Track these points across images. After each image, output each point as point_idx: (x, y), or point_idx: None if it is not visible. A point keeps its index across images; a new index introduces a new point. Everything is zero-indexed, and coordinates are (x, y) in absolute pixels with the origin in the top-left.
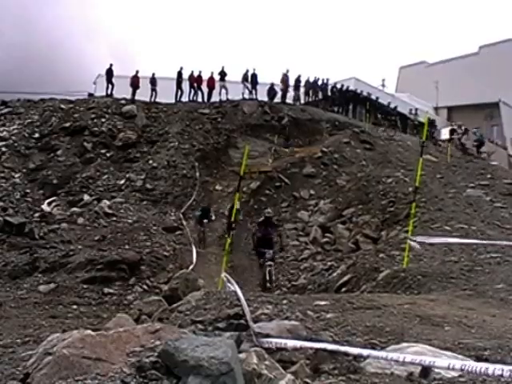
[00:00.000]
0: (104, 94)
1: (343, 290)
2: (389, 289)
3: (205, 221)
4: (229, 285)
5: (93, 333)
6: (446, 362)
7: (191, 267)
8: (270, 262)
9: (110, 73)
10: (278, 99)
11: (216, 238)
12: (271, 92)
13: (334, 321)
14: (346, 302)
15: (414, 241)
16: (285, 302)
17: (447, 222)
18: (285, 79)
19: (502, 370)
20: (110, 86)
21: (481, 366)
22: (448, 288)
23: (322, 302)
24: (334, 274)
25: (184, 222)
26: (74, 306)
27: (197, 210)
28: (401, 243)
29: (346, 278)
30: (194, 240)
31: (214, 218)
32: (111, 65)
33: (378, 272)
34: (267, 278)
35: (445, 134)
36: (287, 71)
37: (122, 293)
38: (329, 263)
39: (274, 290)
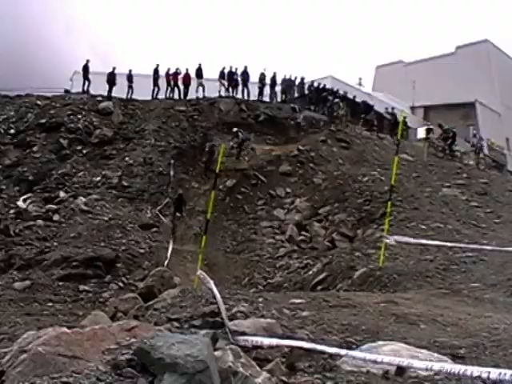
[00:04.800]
0: (80, 90)
1: (319, 288)
2: (365, 287)
3: (177, 214)
4: (204, 282)
5: (68, 330)
6: (423, 363)
7: (166, 263)
8: None
9: (86, 69)
10: (254, 97)
11: (192, 235)
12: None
13: (309, 319)
14: (321, 301)
15: (390, 239)
16: (260, 299)
17: (423, 221)
18: (262, 77)
19: (480, 372)
20: (86, 82)
21: (459, 368)
22: (424, 287)
23: (298, 300)
24: (310, 272)
25: (163, 218)
26: (50, 304)
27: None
28: (377, 242)
29: (321, 276)
30: (169, 235)
31: (184, 211)
32: (88, 61)
33: (354, 270)
34: None
35: (421, 133)
36: (264, 70)
37: (97, 290)
38: (305, 261)
39: None
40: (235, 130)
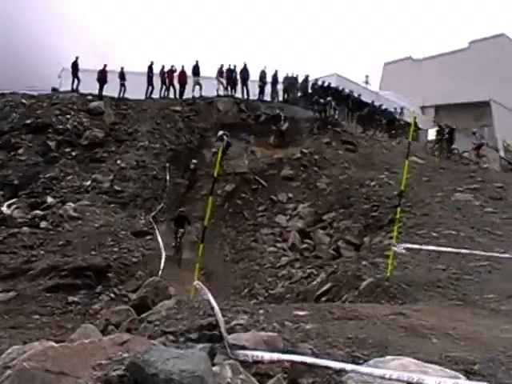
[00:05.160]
0: (69, 88)
1: (323, 299)
2: (372, 298)
3: (180, 230)
4: (201, 293)
5: (56, 344)
6: (435, 379)
7: (160, 272)
8: None
9: (75, 66)
10: (254, 96)
11: (188, 243)
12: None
13: (313, 332)
14: (326, 312)
15: (399, 247)
16: (261, 311)
17: (434, 228)
18: (262, 75)
19: None
20: (75, 80)
21: None
22: (435, 298)
23: (301, 312)
24: (314, 283)
25: (155, 226)
26: (36, 316)
27: (171, 216)
28: (384, 250)
29: (326, 287)
30: (166, 245)
31: (189, 228)
32: (77, 58)
33: (361, 280)
34: None
35: (432, 134)
36: (265, 67)
37: (87, 302)
38: (308, 271)
39: None
40: (220, 133)
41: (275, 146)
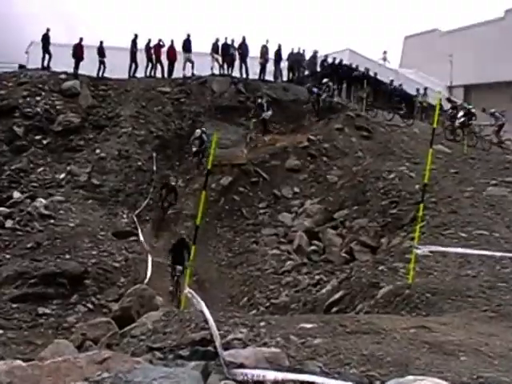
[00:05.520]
0: (39, 66)
1: (334, 309)
2: (390, 309)
3: (178, 268)
4: (194, 303)
5: (24, 364)
6: None
7: (146, 281)
8: None
9: (46, 40)
10: (254, 75)
11: None
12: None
13: (322, 348)
14: (337, 325)
15: (422, 250)
16: (262, 324)
17: (463, 228)
18: (263, 51)
19: None
20: (46, 56)
21: None
22: (464, 309)
23: (309, 325)
24: (323, 291)
25: (138, 226)
26: (0, 331)
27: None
28: (405, 253)
29: (337, 296)
30: (153, 248)
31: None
32: (48, 30)
33: (377, 288)
34: None
35: (460, 118)
36: (267, 42)
37: (60, 313)
38: (316, 277)
39: None
40: (198, 132)
41: (297, 128)
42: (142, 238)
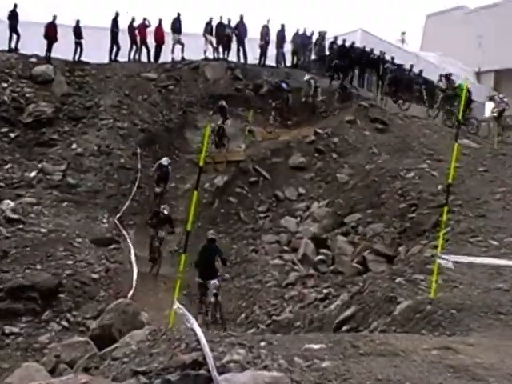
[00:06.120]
0: (6, 48)
1: (345, 328)
2: (409, 327)
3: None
4: (184, 320)
5: None
6: None
7: (130, 294)
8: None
9: (14, 18)
10: (254, 60)
11: (166, 254)
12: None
13: (331, 372)
14: (348, 346)
15: (446, 260)
16: (263, 344)
17: (494, 234)
18: (264, 33)
19: None
20: (14, 36)
21: None
22: (495, 327)
23: (316, 346)
24: (332, 307)
25: (123, 232)
26: None
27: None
28: (427, 263)
29: (348, 312)
30: (138, 257)
31: (174, 229)
32: (16, 6)
33: (395, 304)
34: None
35: (490, 109)
36: (268, 22)
37: (31, 332)
38: (324, 291)
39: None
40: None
41: (303, 120)
42: (130, 244)
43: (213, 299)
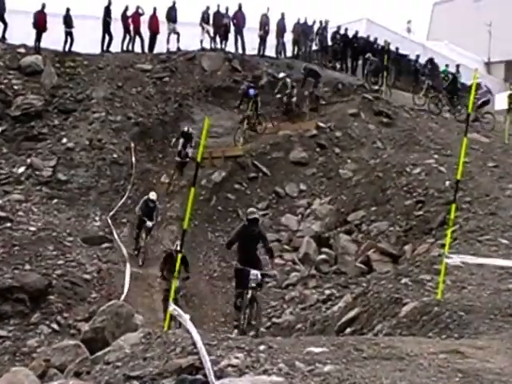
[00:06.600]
0: None
1: (348, 330)
2: (416, 330)
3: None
4: (180, 322)
5: None
6: None
7: (123, 296)
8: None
9: (1, 6)
10: (252, 50)
11: (161, 252)
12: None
13: (334, 376)
14: (352, 349)
15: (454, 259)
16: (262, 347)
17: (504, 233)
18: (264, 22)
19: None
20: (1, 25)
21: None
22: (505, 330)
23: (317, 349)
24: (335, 308)
25: (113, 230)
26: None
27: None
28: (434, 263)
29: (352, 314)
30: (130, 255)
31: (158, 218)
32: None
33: (400, 305)
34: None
35: (501, 101)
36: (268, 10)
37: (19, 336)
38: (327, 292)
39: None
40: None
41: (304, 113)
42: (120, 243)
43: (249, 294)
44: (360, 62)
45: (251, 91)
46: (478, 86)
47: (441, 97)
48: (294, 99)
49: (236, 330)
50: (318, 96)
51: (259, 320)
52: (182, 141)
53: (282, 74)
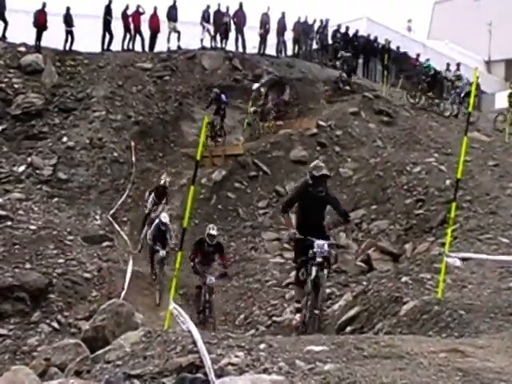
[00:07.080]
0: None
1: (348, 329)
2: (416, 329)
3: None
4: (180, 321)
5: None
6: None
7: (123, 294)
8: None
9: (1, 5)
10: (253, 49)
11: None
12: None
13: (334, 375)
14: (352, 348)
15: (454, 257)
16: (262, 346)
17: (504, 231)
18: (264, 20)
19: None
20: (1, 24)
21: None
22: (506, 329)
23: (318, 348)
24: (335, 307)
25: (117, 228)
26: None
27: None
28: (433, 262)
29: (352, 313)
30: (131, 255)
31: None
32: None
33: (400, 304)
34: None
35: (501, 100)
36: (268, 9)
37: (19, 334)
38: (327, 290)
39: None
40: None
41: (305, 112)
42: (125, 237)
43: (314, 273)
44: (360, 60)
45: (223, 97)
46: (459, 77)
47: (419, 89)
48: (269, 105)
49: (298, 315)
50: (285, 101)
51: (321, 311)
52: (153, 196)
53: (255, 85)
